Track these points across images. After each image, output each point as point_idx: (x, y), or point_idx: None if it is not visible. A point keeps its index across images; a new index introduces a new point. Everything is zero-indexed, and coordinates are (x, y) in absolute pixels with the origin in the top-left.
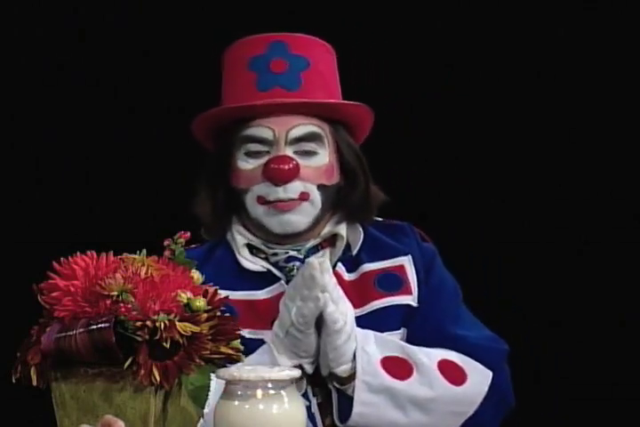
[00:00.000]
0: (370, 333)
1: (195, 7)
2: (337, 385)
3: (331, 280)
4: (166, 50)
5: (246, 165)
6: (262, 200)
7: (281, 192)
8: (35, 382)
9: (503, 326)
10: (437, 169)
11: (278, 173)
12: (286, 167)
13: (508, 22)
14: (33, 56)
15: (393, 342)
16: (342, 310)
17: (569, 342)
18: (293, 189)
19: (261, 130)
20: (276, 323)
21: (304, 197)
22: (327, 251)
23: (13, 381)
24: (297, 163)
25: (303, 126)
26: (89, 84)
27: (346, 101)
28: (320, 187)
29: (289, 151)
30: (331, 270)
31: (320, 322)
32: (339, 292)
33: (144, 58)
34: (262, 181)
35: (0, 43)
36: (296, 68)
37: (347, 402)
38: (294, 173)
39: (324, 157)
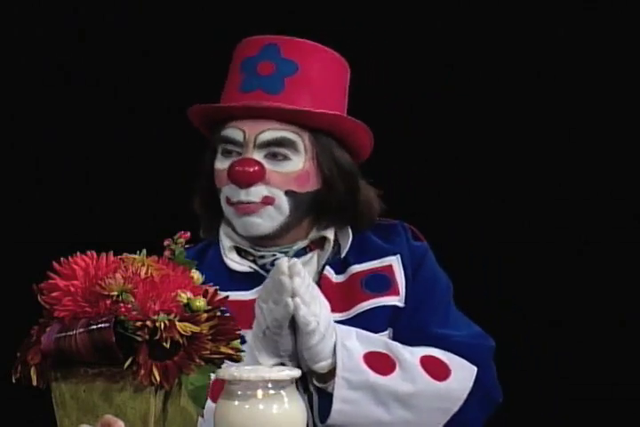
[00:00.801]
0: (352, 329)
1: (194, 7)
2: (317, 383)
3: (302, 283)
4: (166, 50)
5: (219, 164)
6: (228, 201)
7: (243, 195)
8: (35, 382)
9: (502, 326)
10: (437, 169)
11: (240, 175)
12: (250, 170)
13: (508, 22)
14: (33, 56)
15: (376, 338)
16: (315, 312)
17: (569, 342)
18: (256, 192)
19: (233, 131)
20: (255, 324)
21: (267, 201)
22: (315, 253)
23: (13, 381)
24: (261, 166)
25: (274, 131)
26: (89, 84)
27: (314, 110)
28: (288, 193)
29: (257, 154)
30: (302, 272)
31: (295, 323)
32: (312, 292)
33: (144, 58)
34: (229, 183)
35: (0, 43)
36: (282, 72)
37: (328, 401)
38: (257, 177)
39: (297, 163)
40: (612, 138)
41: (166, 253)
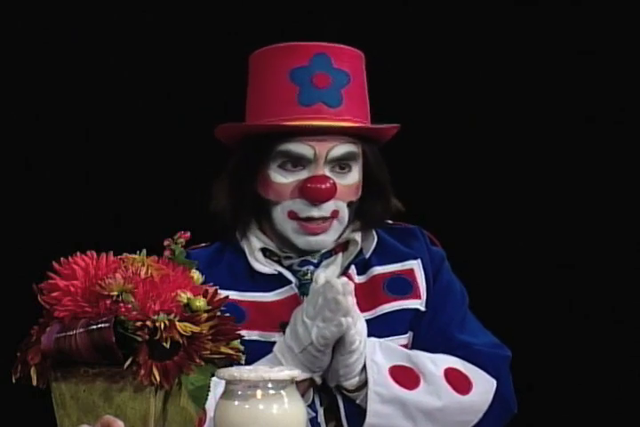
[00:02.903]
0: (375, 341)
1: (196, 7)
2: (345, 393)
3: (353, 302)
4: (170, 50)
5: (280, 178)
6: (294, 215)
7: (315, 211)
8: (35, 382)
9: (508, 330)
10: (444, 172)
11: (317, 192)
12: (323, 187)
13: (509, 27)
14: (33, 56)
15: (398, 350)
16: (360, 330)
17: (571, 344)
18: (327, 207)
19: (302, 147)
20: (291, 337)
21: (335, 214)
22: (339, 255)
23: (13, 381)
24: (334, 183)
25: (343, 146)
26: (89, 83)
27: (389, 125)
28: (349, 203)
29: (326, 170)
30: (353, 292)
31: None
32: (357, 311)
33: (145, 57)
34: (297, 198)
35: (0, 42)
36: (338, 83)
37: (354, 411)
38: (332, 193)
39: (355, 173)
40: (612, 139)
41: (166, 253)
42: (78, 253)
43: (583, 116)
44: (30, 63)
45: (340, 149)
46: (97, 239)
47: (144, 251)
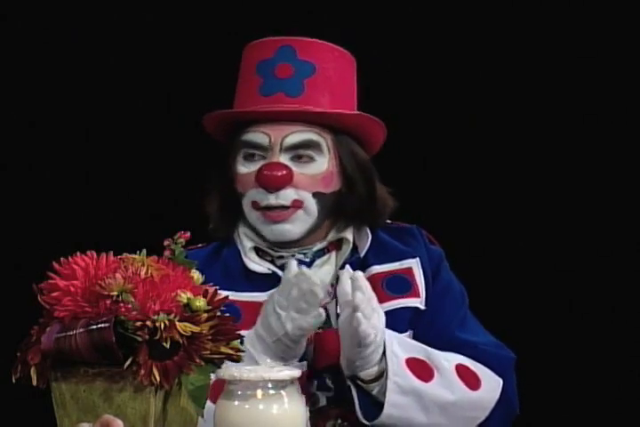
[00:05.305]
0: (392, 334)
1: (196, 8)
2: (360, 384)
3: (363, 297)
4: (170, 50)
5: (243, 169)
6: (256, 205)
7: (272, 199)
8: (35, 382)
9: (507, 330)
10: (443, 172)
11: (269, 179)
12: (278, 174)
13: (509, 27)
14: (33, 56)
15: (413, 343)
16: (374, 324)
17: (570, 344)
18: (286, 196)
19: (258, 135)
20: (262, 327)
21: (297, 204)
22: (333, 254)
23: (13, 381)
24: (290, 170)
25: (299, 133)
26: (89, 83)
27: (340, 111)
28: (316, 194)
29: (284, 158)
30: (364, 287)
31: (345, 331)
32: (372, 304)
33: (145, 57)
34: (256, 187)
35: (0, 42)
36: (301, 73)
37: (368, 400)
38: (286, 180)
39: (322, 164)
40: (614, 140)
41: (166, 253)
42: (78, 253)
43: (583, 117)
44: (30, 63)
45: (297, 136)
46: (97, 239)
47: (144, 251)
